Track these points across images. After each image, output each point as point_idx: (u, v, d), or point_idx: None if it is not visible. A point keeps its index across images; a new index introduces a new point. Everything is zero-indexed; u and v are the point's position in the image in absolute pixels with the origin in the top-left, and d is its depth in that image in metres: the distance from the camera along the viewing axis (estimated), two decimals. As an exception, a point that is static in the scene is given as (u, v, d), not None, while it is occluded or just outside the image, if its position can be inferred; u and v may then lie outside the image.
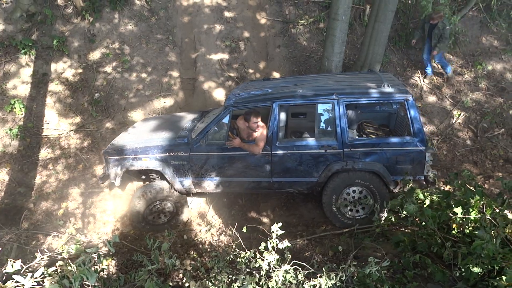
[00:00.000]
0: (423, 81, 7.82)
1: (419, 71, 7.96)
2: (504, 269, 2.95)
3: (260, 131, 4.95)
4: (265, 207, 5.88)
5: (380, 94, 4.74)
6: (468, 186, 3.72)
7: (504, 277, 2.85)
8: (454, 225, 3.75)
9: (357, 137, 5.19)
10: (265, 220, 5.68)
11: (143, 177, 5.65)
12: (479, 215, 3.46)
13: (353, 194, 4.96)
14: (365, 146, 4.78)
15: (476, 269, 3.14)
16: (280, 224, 3.59)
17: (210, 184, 5.17)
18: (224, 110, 4.90)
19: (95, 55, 7.98)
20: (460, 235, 3.58)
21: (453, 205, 3.73)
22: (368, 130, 5.44)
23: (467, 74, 7.98)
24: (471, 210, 3.58)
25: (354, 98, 4.81)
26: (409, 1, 8.08)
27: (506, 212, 3.52)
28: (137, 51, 8.10)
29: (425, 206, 3.82)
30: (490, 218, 3.42)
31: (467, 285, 3.20)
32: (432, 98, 7.65)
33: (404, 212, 3.77)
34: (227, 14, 8.63)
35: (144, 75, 7.84)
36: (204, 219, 5.74)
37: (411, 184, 4.34)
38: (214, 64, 8.06)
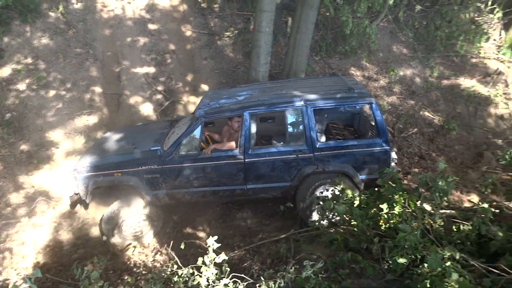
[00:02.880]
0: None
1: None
2: (426, 258, 3.18)
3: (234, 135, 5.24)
4: (201, 221, 5.79)
5: (345, 99, 5.00)
6: (391, 183, 3.98)
7: (425, 265, 3.06)
8: (381, 221, 4.00)
9: (325, 140, 5.44)
10: (202, 234, 5.58)
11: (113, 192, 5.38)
12: (401, 210, 3.72)
13: (325, 193, 5.10)
14: (334, 149, 4.96)
15: (401, 260, 3.36)
16: (216, 237, 3.55)
17: (184, 195, 5.15)
18: (196, 121, 4.92)
19: (4, 72, 7.33)
20: (387, 229, 3.81)
21: (379, 202, 3.99)
22: (334, 131, 5.68)
23: (382, 80, 8.61)
24: (395, 205, 3.85)
25: (322, 103, 4.96)
26: (327, 14, 8.55)
27: (423, 204, 3.83)
28: (53, 66, 7.59)
29: (354, 205, 4.03)
30: (410, 211, 3.70)
31: (395, 276, 3.42)
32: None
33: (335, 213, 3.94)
34: (151, 26, 8.47)
35: (63, 92, 7.35)
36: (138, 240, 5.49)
37: (341, 186, 4.57)
38: (140, 78, 7.83)
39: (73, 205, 5.19)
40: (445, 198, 3.54)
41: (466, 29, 8.89)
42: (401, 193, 3.82)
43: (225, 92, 5.79)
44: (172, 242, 4.59)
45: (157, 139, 5.32)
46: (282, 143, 5.22)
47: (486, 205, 3.57)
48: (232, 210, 6.12)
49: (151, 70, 7.99)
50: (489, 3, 9.10)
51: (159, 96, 7.69)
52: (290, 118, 5.02)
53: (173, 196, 5.16)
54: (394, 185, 3.88)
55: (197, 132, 4.92)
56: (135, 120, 7.15)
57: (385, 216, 3.91)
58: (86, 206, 5.33)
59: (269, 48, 6.90)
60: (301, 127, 4.93)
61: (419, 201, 3.81)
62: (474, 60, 9.13)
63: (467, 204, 5.67)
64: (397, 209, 3.83)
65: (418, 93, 8.46)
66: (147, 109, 7.47)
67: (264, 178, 5.03)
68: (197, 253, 4.35)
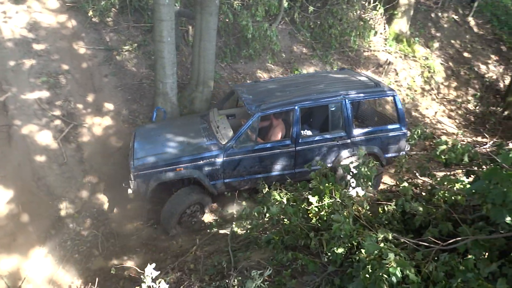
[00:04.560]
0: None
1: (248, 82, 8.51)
2: (361, 243, 3.25)
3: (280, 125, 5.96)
4: (127, 250, 5.34)
5: (375, 93, 5.92)
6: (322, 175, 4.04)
7: (363, 250, 3.13)
8: (311, 215, 4.03)
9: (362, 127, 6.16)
10: (130, 263, 5.14)
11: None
12: (331, 201, 3.79)
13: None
14: (365, 135, 5.85)
15: (340, 250, 3.39)
16: (154, 265, 3.25)
17: (240, 183, 5.68)
18: (253, 116, 5.36)
19: None
20: (320, 222, 3.84)
21: (308, 195, 4.02)
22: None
23: (288, 80, 8.89)
24: (324, 197, 3.90)
25: (356, 97, 5.76)
26: (227, 20, 8.57)
27: (350, 192, 3.95)
28: None
29: (286, 204, 4.00)
30: (339, 200, 3.78)
31: (336, 267, 3.45)
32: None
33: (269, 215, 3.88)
34: (37, 46, 7.64)
35: None
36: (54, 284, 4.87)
37: (266, 189, 4.55)
38: (32, 105, 6.98)
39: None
40: (370, 183, 3.68)
41: (356, 25, 9.61)
42: (327, 184, 3.90)
43: (257, 88, 6.25)
44: (97, 279, 4.13)
45: (206, 134, 5.74)
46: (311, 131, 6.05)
47: (406, 184, 3.80)
48: (158, 230, 5.78)
49: (44, 94, 7.18)
50: (371, 0, 9.95)
51: (57, 122, 6.94)
52: (332, 109, 5.67)
53: (230, 185, 5.66)
54: (325, 178, 3.95)
55: (255, 126, 5.39)
56: (33, 152, 6.36)
57: (315, 209, 3.96)
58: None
59: (174, 58, 6.66)
60: (340, 117, 5.66)
61: (344, 190, 3.93)
62: (366, 54, 9.91)
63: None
64: (326, 201, 3.90)
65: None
66: (45, 138, 6.69)
67: (311, 162, 5.54)
68: (129, 286, 3.96)
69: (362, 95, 5.81)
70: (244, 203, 5.53)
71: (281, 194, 4.40)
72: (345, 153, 5.75)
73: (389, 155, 5.98)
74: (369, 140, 5.85)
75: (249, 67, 8.87)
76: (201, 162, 5.33)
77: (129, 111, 7.33)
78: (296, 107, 5.48)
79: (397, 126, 5.93)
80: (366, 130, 5.90)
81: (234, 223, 5.24)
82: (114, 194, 6.29)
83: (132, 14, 8.50)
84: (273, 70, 8.97)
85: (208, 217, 6.05)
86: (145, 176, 5.21)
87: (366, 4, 10.00)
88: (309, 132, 6.26)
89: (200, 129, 5.92)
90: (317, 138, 5.72)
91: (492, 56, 11.35)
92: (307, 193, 4.25)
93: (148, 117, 7.24)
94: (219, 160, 5.37)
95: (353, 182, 3.82)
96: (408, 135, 5.74)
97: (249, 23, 8.17)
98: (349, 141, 5.74)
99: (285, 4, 9.07)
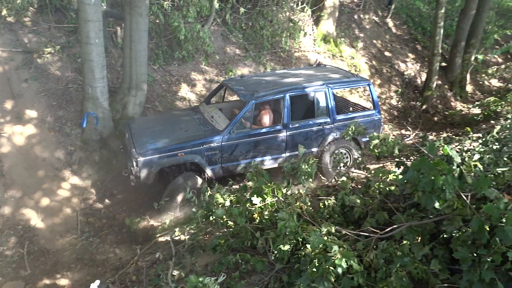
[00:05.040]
0: (188, 93, 8.28)
1: (182, 85, 8.36)
2: (306, 239, 3.35)
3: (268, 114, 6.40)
4: (60, 267, 4.98)
5: (352, 82, 6.70)
6: (259, 175, 4.08)
7: (308, 245, 3.22)
8: (255, 215, 4.06)
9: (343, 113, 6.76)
10: (64, 281, 4.81)
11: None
12: (274, 200, 3.85)
13: (340, 153, 6.50)
14: (346, 120, 6.38)
15: (286, 247, 3.46)
16: (98, 282, 3.06)
17: (236, 167, 5.95)
18: (247, 104, 5.74)
19: None
20: (265, 222, 3.89)
21: (250, 196, 4.04)
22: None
23: (223, 81, 8.88)
24: (265, 196, 3.95)
25: (338, 85, 6.52)
26: (157, 21, 8.34)
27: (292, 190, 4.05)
28: None
29: (230, 206, 3.99)
30: (283, 199, 3.86)
31: (283, 264, 3.51)
32: (201, 107, 8.18)
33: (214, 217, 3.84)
34: None
35: None
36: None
37: (209, 192, 4.51)
38: None
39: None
40: (311, 180, 3.80)
41: (286, 27, 9.87)
42: (268, 184, 3.96)
43: (245, 81, 6.65)
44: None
45: (201, 123, 6.09)
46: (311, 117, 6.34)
47: (344, 178, 3.98)
48: (94, 244, 5.47)
49: (-46, 102, 6.47)
50: (299, 3, 10.28)
51: (-27, 133, 6.29)
52: (317, 97, 6.22)
53: (227, 169, 5.93)
54: (261, 177, 3.99)
55: (249, 113, 5.76)
56: None
57: (259, 209, 4.00)
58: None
59: (103, 61, 6.34)
60: (324, 104, 6.20)
61: (286, 188, 4.02)
62: (297, 54, 10.22)
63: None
64: (268, 200, 3.95)
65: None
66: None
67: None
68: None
69: (342, 84, 6.63)
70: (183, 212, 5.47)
71: (224, 196, 4.39)
72: (330, 137, 6.29)
73: (367, 138, 6.28)
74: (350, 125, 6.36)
75: (182, 69, 8.71)
76: (201, 147, 5.61)
77: (54, 118, 6.83)
78: (286, 95, 5.94)
79: (373, 112, 6.62)
80: (347, 116, 6.52)
81: (176, 229, 5.11)
82: (42, 208, 5.84)
83: (53, 14, 7.92)
84: (208, 71, 8.91)
85: (149, 225, 5.84)
86: (148, 162, 5.40)
87: (295, 6, 10.30)
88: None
89: (195, 119, 6.26)
90: (304, 123, 6.19)
91: (410, 54, 12.32)
92: (248, 193, 4.28)
93: (76, 123, 6.81)
94: (218, 145, 5.68)
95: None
96: (382, 120, 6.77)
97: (181, 24, 8.03)
98: (332, 126, 6.29)
99: (217, 5, 9.05)
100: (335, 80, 6.43)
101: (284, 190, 3.99)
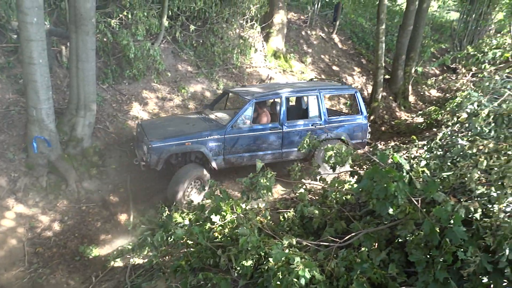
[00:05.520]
0: (140, 112, 8.10)
1: (134, 103, 8.18)
2: (268, 253, 3.36)
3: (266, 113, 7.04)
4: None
5: (342, 89, 7.67)
6: (216, 193, 4.05)
7: (270, 259, 3.23)
8: (216, 233, 4.02)
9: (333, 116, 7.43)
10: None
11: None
12: (234, 216, 3.84)
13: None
14: (336, 122, 7.12)
15: (248, 263, 3.45)
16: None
17: (237, 160, 6.54)
18: (248, 103, 6.42)
19: None
20: (225, 239, 3.85)
21: (210, 215, 4.00)
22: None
23: (176, 98, 8.79)
24: (225, 213, 3.93)
25: (328, 91, 7.24)
26: (105, 39, 8.14)
27: (252, 205, 4.06)
28: None
29: (190, 225, 3.92)
30: (243, 215, 3.85)
31: (246, 280, 3.48)
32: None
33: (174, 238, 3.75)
34: None
35: None
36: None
37: (167, 212, 4.41)
38: None
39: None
40: (270, 193, 3.83)
41: (237, 43, 10.00)
42: (227, 201, 3.94)
43: (247, 88, 7.69)
44: None
45: (206, 120, 6.77)
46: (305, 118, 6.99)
47: (302, 190, 4.05)
48: (44, 275, 5.13)
49: None
50: (249, 20, 10.48)
51: None
52: (311, 101, 6.88)
53: (229, 161, 6.50)
54: (220, 195, 3.97)
55: (249, 110, 6.41)
56: None
57: (219, 227, 3.96)
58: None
59: (48, 81, 6.07)
60: (316, 107, 6.88)
61: (245, 203, 4.02)
62: (249, 70, 10.36)
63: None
64: (228, 217, 3.93)
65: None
66: None
67: (294, 144, 6.75)
68: None
69: (332, 90, 7.41)
70: (141, 229, 5.28)
71: (182, 215, 4.31)
72: (322, 136, 6.85)
73: (353, 141, 7.14)
74: (339, 127, 7.14)
75: (133, 87, 8.53)
76: (206, 138, 6.17)
77: (-5, 143, 6.40)
78: (283, 96, 6.66)
79: (360, 117, 7.27)
80: (337, 119, 7.26)
81: (132, 253, 4.93)
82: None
83: (-11, 34, 7.50)
84: (160, 89, 8.79)
85: (104, 250, 5.60)
86: (158, 149, 5.93)
87: (244, 23, 10.49)
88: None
89: (200, 119, 6.94)
90: (299, 122, 6.85)
91: (356, 68, 12.90)
92: (207, 212, 4.23)
93: (20, 148, 6.43)
94: (221, 137, 6.25)
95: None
96: (369, 124, 7.45)
97: (130, 42, 7.89)
98: (324, 126, 6.97)
99: (166, 23, 9.00)
100: (326, 87, 7.24)
101: (243, 206, 3.99)
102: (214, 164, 6.28)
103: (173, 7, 9.04)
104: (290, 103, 8.00)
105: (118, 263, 5.11)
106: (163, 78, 9.01)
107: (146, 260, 4.55)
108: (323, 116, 6.93)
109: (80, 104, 6.74)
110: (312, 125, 6.87)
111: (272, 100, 7.38)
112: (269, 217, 3.95)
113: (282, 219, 4.03)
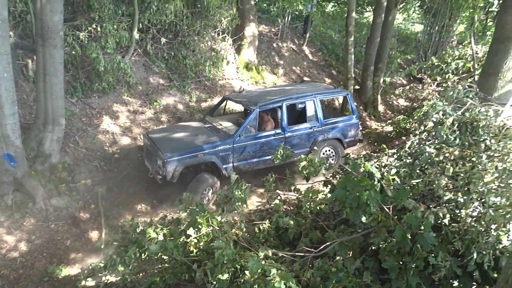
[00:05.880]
0: (111, 126, 7.95)
1: (104, 117, 8.02)
2: (245, 265, 3.34)
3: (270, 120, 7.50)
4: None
5: (335, 93, 8.13)
6: (191, 207, 4.01)
7: (247, 272, 3.21)
8: (191, 247, 3.97)
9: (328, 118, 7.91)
10: None
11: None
12: (209, 229, 3.80)
13: (328, 152, 7.79)
14: (331, 123, 7.73)
15: (225, 276, 3.42)
16: None
17: (245, 166, 6.95)
18: (253, 112, 6.86)
19: None
20: (201, 253, 3.81)
21: (185, 228, 3.95)
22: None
23: (148, 111, 8.68)
24: (200, 226, 3.89)
25: (323, 95, 7.75)
26: (73, 52, 7.97)
27: (227, 218, 4.03)
28: None
29: (164, 239, 3.85)
30: (218, 228, 3.82)
31: (223, 294, 3.44)
32: (126, 140, 7.88)
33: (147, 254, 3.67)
34: None
35: None
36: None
37: (141, 227, 4.32)
38: None
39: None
40: (245, 205, 3.82)
41: (209, 56, 10.01)
42: (202, 213, 3.90)
43: (245, 94, 8.08)
44: None
45: (213, 130, 7.16)
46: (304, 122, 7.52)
47: (277, 201, 4.06)
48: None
49: None
50: (220, 32, 10.54)
51: None
52: (308, 105, 7.45)
53: (238, 168, 6.90)
54: (196, 208, 3.93)
55: (255, 119, 6.88)
56: None
57: (194, 240, 3.91)
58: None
59: (14, 96, 5.87)
60: (313, 111, 7.43)
61: (220, 216, 3.99)
62: (221, 82, 10.38)
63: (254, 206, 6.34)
64: (203, 230, 3.89)
65: (184, 118, 8.96)
66: None
67: (295, 147, 7.16)
68: None
69: (326, 94, 7.89)
70: (110, 251, 5.14)
71: (157, 230, 4.23)
72: (320, 137, 7.51)
73: (348, 139, 7.94)
74: (334, 128, 7.74)
75: (103, 101, 8.37)
76: (217, 149, 6.55)
77: (-44, 161, 6.11)
78: (283, 104, 7.11)
79: (352, 117, 7.92)
80: (332, 120, 7.80)
81: (104, 271, 4.77)
82: None
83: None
84: (131, 102, 8.66)
85: (74, 270, 5.41)
86: (173, 163, 6.23)
87: (216, 35, 10.53)
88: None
89: (206, 128, 7.29)
90: (298, 127, 7.39)
91: (327, 79, 13.14)
92: (183, 226, 4.18)
93: (-16, 165, 6.16)
94: (230, 146, 6.66)
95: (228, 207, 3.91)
96: (359, 123, 8.22)
97: (99, 55, 7.75)
98: (321, 128, 7.51)
99: (137, 36, 8.92)
100: (320, 91, 7.74)
101: (219, 218, 3.96)
102: (225, 172, 6.71)
103: (143, 20, 8.98)
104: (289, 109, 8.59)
105: (90, 282, 4.94)
106: (134, 91, 8.89)
107: (119, 277, 4.42)
108: (320, 119, 7.51)
109: (48, 118, 6.55)
110: (310, 128, 7.45)
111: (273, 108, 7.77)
112: (244, 229, 3.93)
113: (258, 231, 4.03)
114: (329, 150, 7.88)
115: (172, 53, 9.78)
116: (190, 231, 3.88)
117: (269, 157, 7.06)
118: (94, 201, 6.69)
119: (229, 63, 10.71)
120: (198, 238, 3.90)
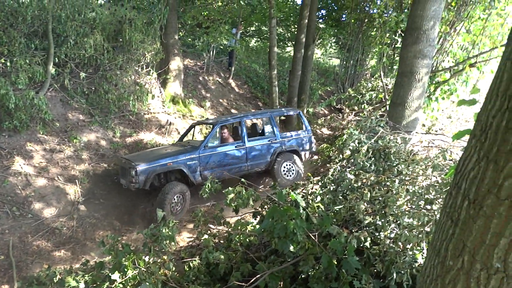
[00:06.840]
0: (24, 167, 7.32)
1: (16, 158, 7.37)
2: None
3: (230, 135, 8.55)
4: None
5: (288, 110, 9.67)
6: (117, 248, 3.78)
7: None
8: (116, 293, 3.70)
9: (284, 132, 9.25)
10: None
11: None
12: (135, 272, 3.59)
13: (288, 166, 8.44)
14: (287, 137, 8.70)
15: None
16: None
17: (211, 174, 6.55)
18: (215, 126, 7.84)
19: None
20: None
21: (109, 273, 3.69)
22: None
23: (67, 149, 8.16)
24: (126, 269, 3.66)
25: (277, 113, 9.33)
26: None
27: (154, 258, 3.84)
28: None
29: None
30: (144, 269, 3.62)
31: None
32: (42, 181, 7.28)
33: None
34: None
35: None
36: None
37: (59, 276, 3.95)
38: None
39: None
40: (173, 243, 3.69)
41: (133, 90, 9.79)
42: (128, 255, 3.70)
43: (212, 118, 9.82)
44: None
45: (181, 146, 8.09)
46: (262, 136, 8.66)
47: (206, 236, 3.98)
48: None
49: None
50: (144, 66, 10.40)
51: None
52: (265, 122, 8.86)
53: (205, 176, 7.40)
54: (122, 249, 3.71)
55: (217, 133, 7.84)
56: None
57: (120, 286, 3.66)
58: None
59: None
60: (270, 126, 8.57)
61: (148, 256, 3.81)
62: (147, 116, 10.15)
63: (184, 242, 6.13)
64: (130, 273, 3.67)
65: (108, 155, 8.56)
66: None
67: (256, 157, 8.15)
68: None
69: (280, 112, 9.50)
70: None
71: (77, 278, 3.90)
72: (278, 149, 8.37)
73: (304, 151, 8.83)
74: (290, 140, 8.69)
75: (15, 140, 7.71)
76: (184, 158, 7.30)
77: None
78: (242, 120, 8.20)
79: (305, 131, 8.97)
80: (287, 134, 8.94)
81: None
82: None
83: None
84: (47, 140, 8.08)
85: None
86: (144, 170, 6.95)
87: (140, 69, 10.36)
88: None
89: (175, 145, 8.34)
90: (258, 140, 8.33)
91: (253, 110, 13.48)
92: (106, 271, 3.91)
93: None
94: (196, 156, 7.43)
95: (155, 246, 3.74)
96: (313, 137, 9.20)
97: (9, 91, 7.19)
98: (278, 141, 8.45)
99: (52, 70, 8.46)
100: (275, 110, 9.30)
101: (146, 259, 3.76)
102: (193, 179, 7.38)
103: (60, 54, 8.58)
104: (249, 126, 9.61)
105: None
106: (51, 128, 8.33)
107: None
108: (276, 133, 8.48)
109: None
110: (269, 141, 8.36)
111: (233, 124, 9.01)
112: (173, 269, 3.77)
113: (188, 269, 3.88)
114: (288, 165, 8.55)
115: (93, 88, 9.41)
116: (115, 276, 3.64)
117: (234, 166, 7.93)
118: (4, 252, 6.01)
119: (154, 96, 10.55)
120: (123, 282, 3.66)
